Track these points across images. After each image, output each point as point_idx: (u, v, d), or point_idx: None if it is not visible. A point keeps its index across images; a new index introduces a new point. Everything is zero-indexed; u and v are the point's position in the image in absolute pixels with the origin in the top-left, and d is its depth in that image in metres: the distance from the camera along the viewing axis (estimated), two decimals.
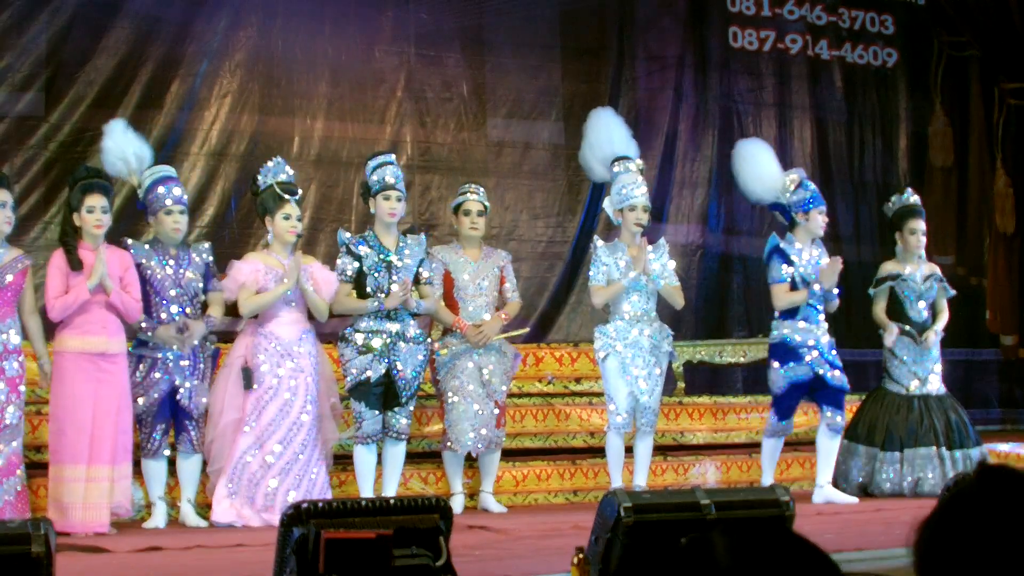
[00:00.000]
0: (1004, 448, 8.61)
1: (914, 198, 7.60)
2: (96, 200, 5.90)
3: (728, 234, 10.35)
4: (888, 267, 7.56)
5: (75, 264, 5.84)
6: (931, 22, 11.07)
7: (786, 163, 10.64)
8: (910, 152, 11.04)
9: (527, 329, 7.95)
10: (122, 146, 6.38)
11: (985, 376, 10.96)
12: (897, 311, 7.45)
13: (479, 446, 6.62)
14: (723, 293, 10.29)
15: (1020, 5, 10.87)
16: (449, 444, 6.63)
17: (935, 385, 7.46)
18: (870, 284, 7.65)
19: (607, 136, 7.10)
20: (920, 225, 7.50)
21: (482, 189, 7.08)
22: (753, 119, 10.51)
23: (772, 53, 10.61)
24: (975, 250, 11.07)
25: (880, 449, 7.30)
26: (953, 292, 7.62)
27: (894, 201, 7.68)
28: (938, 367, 7.48)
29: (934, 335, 7.39)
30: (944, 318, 7.52)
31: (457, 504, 6.65)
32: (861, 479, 7.33)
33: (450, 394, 6.65)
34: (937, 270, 7.58)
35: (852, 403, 8.30)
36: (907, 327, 7.44)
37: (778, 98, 10.61)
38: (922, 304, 7.45)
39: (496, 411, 6.70)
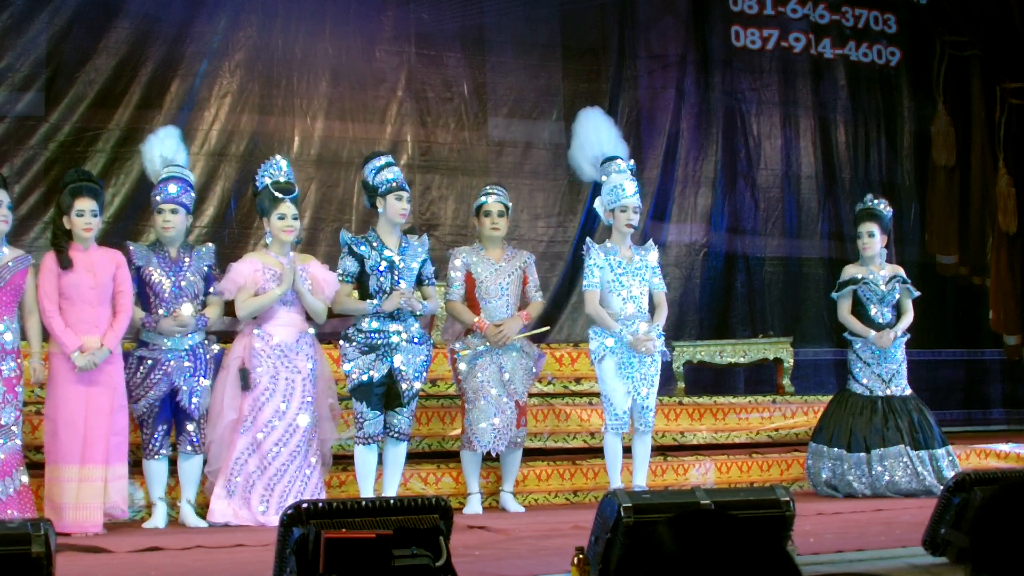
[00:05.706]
0: (1005, 448, 8.58)
1: (874, 203, 7.54)
2: (85, 204, 5.88)
3: (732, 233, 10.34)
4: (850, 271, 7.55)
5: (65, 263, 5.82)
6: (933, 22, 11.06)
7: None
8: (913, 151, 11.02)
9: (547, 328, 7.92)
10: (153, 146, 6.42)
11: (988, 376, 10.94)
12: (860, 314, 7.44)
13: (499, 446, 6.61)
14: (727, 292, 10.28)
15: (1020, 5, 10.86)
16: (467, 444, 6.62)
17: (900, 386, 7.43)
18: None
19: (596, 136, 7.04)
20: (868, 228, 7.44)
21: (504, 190, 7.00)
22: (756, 118, 10.49)
23: (775, 52, 10.59)
24: (978, 250, 11.05)
25: (847, 451, 7.29)
26: (918, 293, 7.57)
27: (858, 207, 7.67)
28: (903, 368, 7.46)
29: (893, 335, 7.36)
30: (908, 319, 7.46)
31: (474, 504, 6.63)
32: (831, 481, 7.32)
33: (471, 394, 6.62)
34: (900, 271, 7.54)
35: (817, 405, 8.28)
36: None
37: (781, 97, 10.60)
38: (884, 306, 7.44)
39: (516, 411, 6.68)
